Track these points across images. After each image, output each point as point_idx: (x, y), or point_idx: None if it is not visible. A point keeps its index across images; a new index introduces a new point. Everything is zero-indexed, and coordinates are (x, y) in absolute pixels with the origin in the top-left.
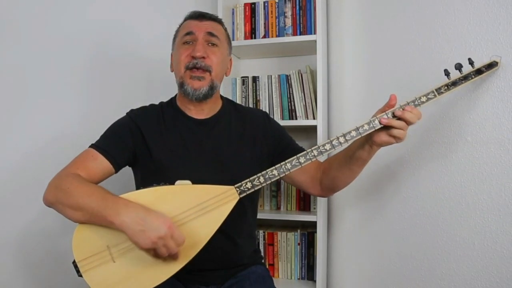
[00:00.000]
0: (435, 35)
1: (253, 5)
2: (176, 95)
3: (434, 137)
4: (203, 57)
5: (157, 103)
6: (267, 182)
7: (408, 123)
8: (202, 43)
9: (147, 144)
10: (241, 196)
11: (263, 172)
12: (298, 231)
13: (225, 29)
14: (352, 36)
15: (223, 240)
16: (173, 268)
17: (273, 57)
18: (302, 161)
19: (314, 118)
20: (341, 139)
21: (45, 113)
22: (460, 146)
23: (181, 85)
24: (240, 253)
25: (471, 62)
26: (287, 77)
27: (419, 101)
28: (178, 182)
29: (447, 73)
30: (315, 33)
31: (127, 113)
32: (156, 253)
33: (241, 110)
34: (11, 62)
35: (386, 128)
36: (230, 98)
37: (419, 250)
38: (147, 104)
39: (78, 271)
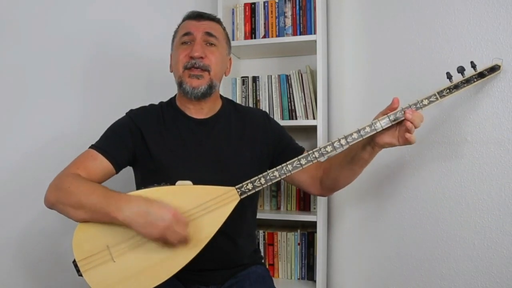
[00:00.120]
0: (435, 35)
1: (253, 5)
2: (175, 95)
3: (434, 137)
4: (202, 57)
5: (157, 103)
6: (268, 183)
7: (414, 127)
8: (200, 43)
9: (147, 144)
10: (242, 197)
11: (264, 173)
12: (298, 231)
13: (224, 29)
14: (352, 36)
15: (223, 240)
16: (173, 268)
17: (273, 57)
18: (304, 163)
19: (314, 118)
20: (343, 141)
21: (45, 113)
22: (460, 146)
23: (180, 84)
24: (240, 253)
25: (473, 66)
26: (287, 77)
27: (421, 104)
28: (179, 182)
29: (449, 76)
30: (315, 33)
31: (126, 113)
32: (167, 242)
33: (241, 110)
34: (11, 62)
35: (389, 130)
36: (230, 98)
37: (419, 250)
38: (147, 104)
39: (78, 271)
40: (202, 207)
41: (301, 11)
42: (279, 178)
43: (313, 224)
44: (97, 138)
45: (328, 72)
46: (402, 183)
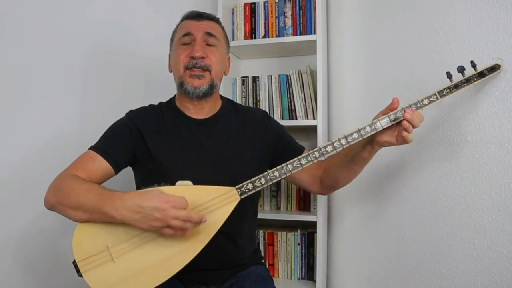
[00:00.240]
0: (435, 35)
1: (253, 5)
2: (175, 95)
3: (434, 137)
4: (203, 57)
5: (156, 103)
6: (268, 183)
7: (413, 126)
8: (200, 43)
9: (147, 145)
10: (242, 197)
11: (264, 173)
12: (298, 231)
13: (223, 28)
14: (352, 36)
15: (224, 240)
16: (173, 268)
17: (273, 57)
18: (304, 163)
19: (314, 118)
20: (343, 141)
21: (45, 113)
22: (460, 146)
23: (180, 85)
24: (240, 253)
25: (473, 65)
26: (287, 77)
27: (421, 103)
28: (179, 182)
29: (449, 75)
30: (315, 33)
31: (126, 114)
32: (174, 229)
33: (241, 110)
34: (11, 62)
35: (389, 129)
36: (230, 98)
37: (419, 250)
38: (146, 104)
39: (78, 271)
40: (203, 207)
41: (301, 11)
42: (279, 178)
43: (313, 224)
44: (97, 138)
45: (328, 72)
46: (402, 183)
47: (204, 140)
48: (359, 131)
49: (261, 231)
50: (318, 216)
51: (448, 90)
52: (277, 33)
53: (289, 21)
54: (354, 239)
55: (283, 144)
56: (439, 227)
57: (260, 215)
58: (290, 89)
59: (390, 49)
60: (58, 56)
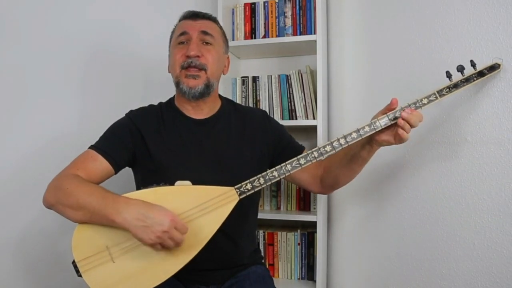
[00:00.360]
0: (435, 35)
1: (253, 5)
2: (174, 95)
3: (434, 137)
4: (198, 56)
5: (156, 103)
6: (267, 183)
7: (411, 125)
8: (196, 42)
9: (147, 145)
10: (241, 197)
11: (263, 173)
12: (298, 231)
13: (221, 27)
14: (352, 36)
15: (224, 240)
16: (173, 268)
17: (273, 57)
18: (303, 163)
19: (314, 118)
20: (342, 141)
21: (45, 113)
22: (460, 146)
23: (177, 85)
24: (240, 253)
25: (473, 64)
26: (287, 77)
27: (420, 103)
28: (178, 182)
29: (449, 75)
30: (315, 33)
31: (126, 114)
32: (163, 246)
33: (240, 110)
34: (11, 62)
35: (387, 128)
36: (230, 98)
37: (419, 250)
38: (146, 104)
39: (77, 271)
40: (201, 207)
41: (301, 11)
42: (278, 178)
43: (313, 224)
44: (97, 138)
45: (328, 72)
46: (402, 183)
47: (204, 140)
48: (358, 131)
49: (261, 231)
50: (318, 216)
51: (447, 90)
52: (277, 33)
53: (289, 21)
54: (354, 239)
55: (283, 144)
56: (439, 227)
57: (260, 215)
58: (290, 89)
59: (390, 49)
60: (58, 56)
